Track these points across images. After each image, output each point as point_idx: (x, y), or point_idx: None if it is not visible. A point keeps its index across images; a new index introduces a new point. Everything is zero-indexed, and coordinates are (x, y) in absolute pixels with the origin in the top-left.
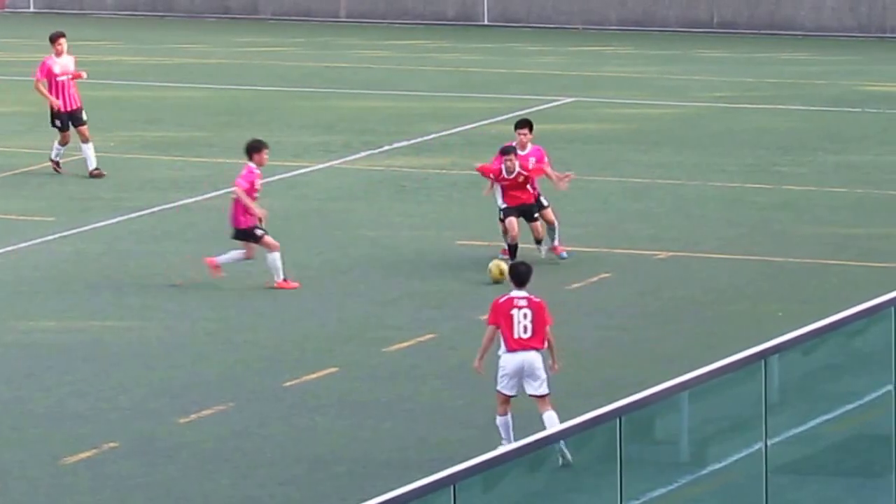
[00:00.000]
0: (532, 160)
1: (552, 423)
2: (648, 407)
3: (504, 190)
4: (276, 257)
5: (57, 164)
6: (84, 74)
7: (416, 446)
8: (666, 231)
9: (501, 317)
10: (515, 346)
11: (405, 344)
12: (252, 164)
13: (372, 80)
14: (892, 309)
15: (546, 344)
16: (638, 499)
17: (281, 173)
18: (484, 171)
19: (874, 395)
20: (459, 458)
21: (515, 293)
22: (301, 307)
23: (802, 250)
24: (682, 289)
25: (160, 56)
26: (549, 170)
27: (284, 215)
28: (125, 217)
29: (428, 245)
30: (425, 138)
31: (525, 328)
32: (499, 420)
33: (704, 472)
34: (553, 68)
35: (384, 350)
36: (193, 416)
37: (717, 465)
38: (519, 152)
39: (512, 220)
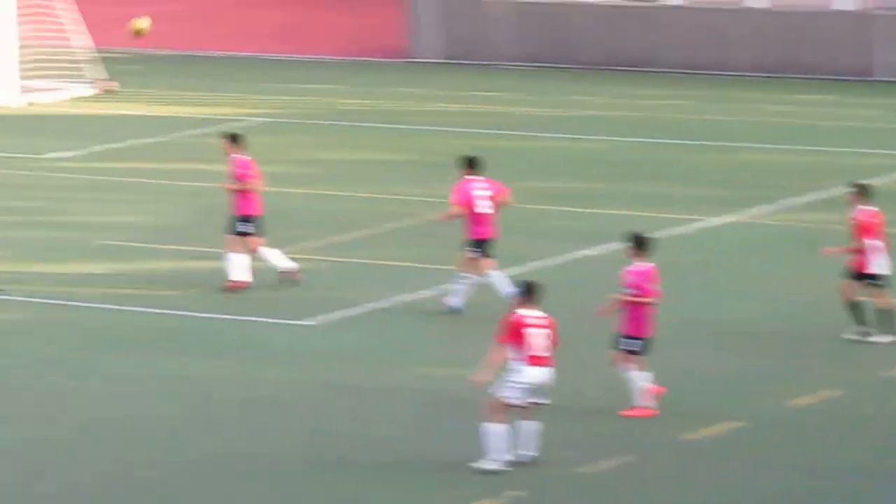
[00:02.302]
0: None
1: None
2: None
3: None
4: None
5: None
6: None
7: None
8: None
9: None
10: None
11: (810, 399)
12: None
13: (772, 133)
14: None
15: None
16: None
17: (674, 226)
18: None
19: None
20: None
21: (530, 313)
22: (703, 358)
23: None
24: None
25: (559, 107)
26: None
27: (682, 267)
28: (526, 267)
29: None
30: (825, 193)
31: (543, 347)
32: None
33: None
34: None
35: (790, 403)
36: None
37: None
38: None
39: None
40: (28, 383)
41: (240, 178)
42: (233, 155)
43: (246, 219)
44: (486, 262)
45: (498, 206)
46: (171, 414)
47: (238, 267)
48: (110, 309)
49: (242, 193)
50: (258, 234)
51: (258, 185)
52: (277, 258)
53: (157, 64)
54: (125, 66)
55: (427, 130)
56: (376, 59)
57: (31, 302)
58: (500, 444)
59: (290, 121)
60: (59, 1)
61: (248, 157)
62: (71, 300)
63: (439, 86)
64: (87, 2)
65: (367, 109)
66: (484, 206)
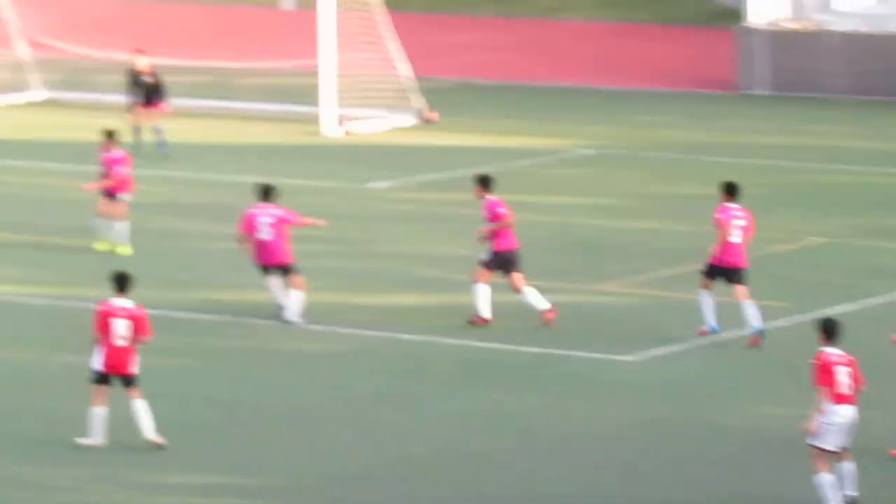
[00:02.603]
0: None
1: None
2: None
3: None
4: None
5: None
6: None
7: None
8: None
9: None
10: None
11: None
12: None
13: None
14: None
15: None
16: None
17: None
18: None
19: None
20: None
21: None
22: None
23: None
24: None
25: (893, 141)
26: None
27: None
28: (856, 305)
29: None
30: None
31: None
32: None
33: None
34: None
35: None
36: None
37: None
38: None
39: None
40: (343, 416)
41: (493, 219)
42: (486, 197)
43: (498, 254)
44: (738, 291)
45: (746, 239)
46: (487, 449)
47: (535, 298)
48: (428, 341)
49: (496, 232)
50: (516, 269)
51: (510, 221)
52: (484, 298)
53: (478, 94)
54: (445, 95)
55: (753, 164)
56: (704, 91)
57: (348, 333)
58: (832, 494)
59: (612, 152)
60: (380, 30)
61: (498, 198)
62: (388, 332)
63: (768, 118)
64: (406, 31)
65: (692, 141)
66: (736, 235)
